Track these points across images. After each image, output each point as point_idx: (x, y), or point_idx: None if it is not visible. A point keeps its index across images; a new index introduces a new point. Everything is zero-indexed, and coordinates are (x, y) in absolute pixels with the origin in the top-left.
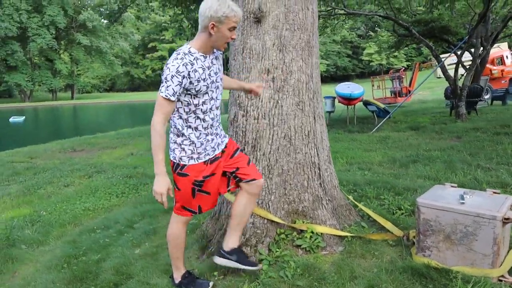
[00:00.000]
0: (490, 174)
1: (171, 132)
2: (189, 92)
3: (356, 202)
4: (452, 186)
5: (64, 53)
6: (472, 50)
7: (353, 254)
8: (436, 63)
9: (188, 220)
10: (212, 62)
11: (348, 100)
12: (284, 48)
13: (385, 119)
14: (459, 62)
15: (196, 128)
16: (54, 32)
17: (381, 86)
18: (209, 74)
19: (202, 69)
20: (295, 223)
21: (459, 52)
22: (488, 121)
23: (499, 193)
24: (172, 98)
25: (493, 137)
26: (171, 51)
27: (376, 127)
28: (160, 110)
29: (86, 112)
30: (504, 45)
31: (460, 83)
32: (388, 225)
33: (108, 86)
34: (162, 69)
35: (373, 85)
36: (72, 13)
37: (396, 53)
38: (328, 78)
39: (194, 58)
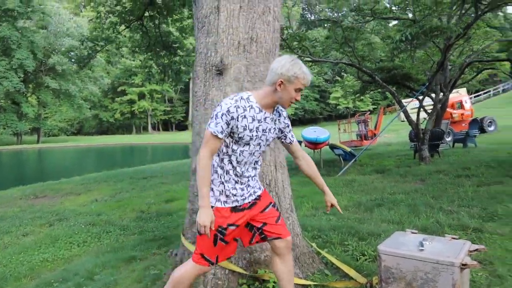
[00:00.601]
0: (452, 217)
1: None
2: (232, 135)
3: (319, 250)
4: (412, 232)
5: (32, 96)
6: (433, 95)
7: None
8: (399, 108)
9: (203, 271)
10: (265, 119)
11: (314, 144)
12: None
13: (351, 162)
14: (420, 107)
15: (227, 172)
16: (22, 75)
17: (347, 130)
18: (257, 128)
19: (252, 119)
20: (257, 272)
21: (420, 97)
22: (450, 164)
23: (457, 238)
24: (220, 136)
25: (454, 179)
26: (140, 95)
27: (342, 171)
28: (207, 144)
29: (52, 156)
30: (463, 91)
31: (422, 127)
32: (352, 272)
33: (76, 129)
34: (131, 112)
35: (339, 129)
36: (41, 56)
37: (362, 97)
38: (296, 121)
39: (249, 106)
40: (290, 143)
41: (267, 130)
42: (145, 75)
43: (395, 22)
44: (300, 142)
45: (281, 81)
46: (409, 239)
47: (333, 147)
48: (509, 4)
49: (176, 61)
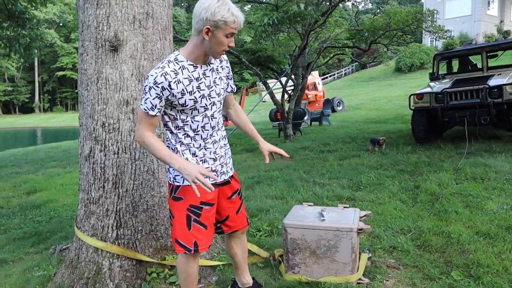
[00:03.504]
0: (327, 189)
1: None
2: (174, 106)
3: None
4: (309, 205)
5: None
6: (293, 77)
7: (228, 282)
8: (261, 88)
9: (193, 259)
10: (204, 74)
11: None
12: (143, 79)
13: None
14: (284, 88)
15: (188, 146)
16: None
17: None
18: (198, 87)
19: (189, 80)
20: (165, 259)
21: (283, 79)
22: (312, 141)
23: (348, 207)
24: (151, 112)
25: (319, 155)
26: None
27: None
28: (142, 123)
29: None
30: (316, 73)
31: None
32: (254, 248)
33: None
34: None
35: None
36: None
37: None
38: None
39: (180, 67)
40: (232, 91)
41: (213, 84)
42: None
43: (249, 6)
44: None
45: (207, 28)
46: (308, 211)
47: None
48: None
49: (25, 35)
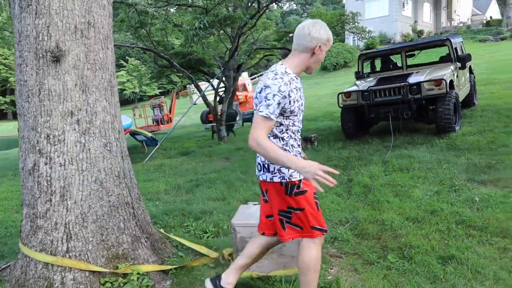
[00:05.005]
0: None
1: None
2: (282, 113)
3: (168, 234)
4: (254, 204)
5: None
6: (224, 79)
7: (182, 285)
8: (191, 91)
9: (321, 241)
10: (300, 84)
11: None
12: (87, 89)
13: (156, 147)
14: (216, 91)
15: (292, 146)
16: None
17: (142, 115)
18: (300, 96)
19: (296, 89)
20: (117, 268)
21: (214, 82)
22: (246, 141)
23: None
24: (273, 117)
25: (255, 155)
26: None
27: (149, 156)
28: (260, 127)
29: None
30: (245, 74)
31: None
32: (203, 249)
33: None
34: None
35: (134, 114)
36: None
37: (148, 81)
38: None
39: (291, 79)
40: None
41: (303, 93)
42: None
43: (174, 8)
44: None
45: (319, 46)
46: (255, 210)
47: (134, 133)
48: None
49: None
